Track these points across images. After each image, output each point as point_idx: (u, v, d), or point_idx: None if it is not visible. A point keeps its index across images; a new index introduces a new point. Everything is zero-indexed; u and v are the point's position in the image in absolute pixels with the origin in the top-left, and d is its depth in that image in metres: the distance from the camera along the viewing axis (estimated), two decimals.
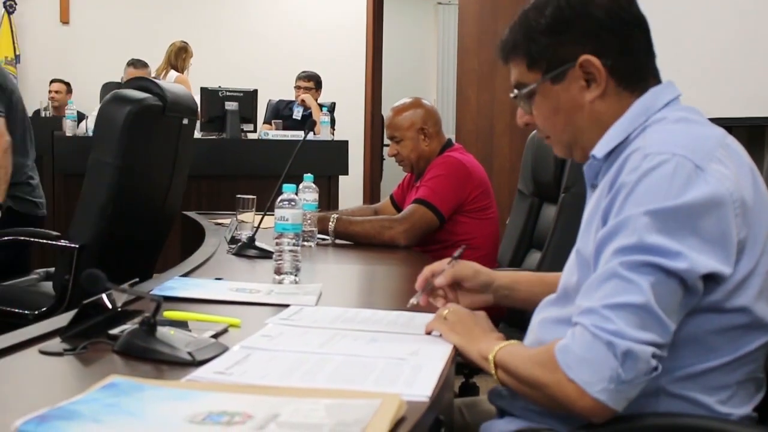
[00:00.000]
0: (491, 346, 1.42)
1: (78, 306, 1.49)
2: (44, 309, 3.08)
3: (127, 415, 1.03)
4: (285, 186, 2.24)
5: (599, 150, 1.45)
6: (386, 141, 3.74)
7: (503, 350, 1.40)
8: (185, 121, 3.40)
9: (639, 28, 1.47)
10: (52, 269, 3.35)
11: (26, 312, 3.11)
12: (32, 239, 3.33)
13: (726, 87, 4.04)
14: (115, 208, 3.07)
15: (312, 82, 6.87)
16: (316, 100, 6.86)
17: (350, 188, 7.09)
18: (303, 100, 6.74)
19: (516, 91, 1.53)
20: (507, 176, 5.60)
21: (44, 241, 3.29)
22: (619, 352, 1.21)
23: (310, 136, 5.87)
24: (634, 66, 1.46)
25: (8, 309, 3.14)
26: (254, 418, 1.03)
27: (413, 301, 1.73)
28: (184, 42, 7.07)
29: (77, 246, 3.06)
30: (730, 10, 4.17)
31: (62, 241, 3.12)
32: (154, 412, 1.06)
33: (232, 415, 1.04)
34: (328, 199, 5.60)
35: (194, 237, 3.27)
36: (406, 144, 3.19)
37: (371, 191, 8.09)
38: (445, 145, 3.21)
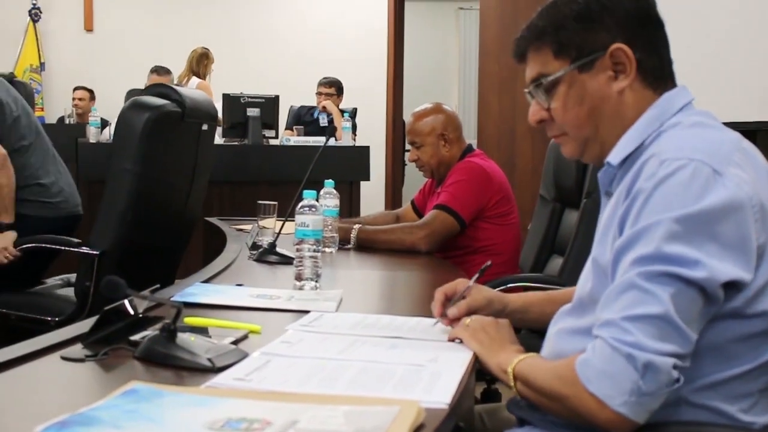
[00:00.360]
0: (510, 359, 1.41)
1: (99, 312, 1.50)
2: (65, 315, 3.10)
3: (147, 421, 1.04)
4: (305, 192, 2.24)
5: (614, 157, 1.44)
6: (407, 146, 3.74)
7: (522, 363, 1.40)
8: (205, 127, 3.41)
9: (662, 29, 1.47)
10: (73, 275, 3.37)
11: (48, 318, 3.14)
12: (53, 246, 3.34)
13: (742, 90, 4.02)
14: (134, 215, 3.09)
15: (333, 87, 6.89)
16: (338, 105, 6.87)
17: (372, 194, 7.09)
18: (324, 107, 6.76)
19: (532, 85, 1.51)
20: (529, 181, 5.58)
21: (64, 248, 3.30)
22: (640, 364, 1.20)
23: (332, 141, 5.88)
24: (658, 64, 1.45)
25: (30, 315, 3.17)
26: (273, 425, 1.03)
27: (435, 321, 1.72)
28: (205, 48, 7.12)
29: (98, 252, 3.08)
30: (748, 13, 4.14)
31: (83, 248, 3.15)
32: (174, 418, 1.06)
33: (251, 421, 1.04)
34: (350, 204, 5.60)
35: (216, 243, 3.28)
36: (426, 150, 3.18)
37: (393, 197, 8.09)
38: (466, 150, 3.21)
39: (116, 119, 3.16)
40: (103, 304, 1.50)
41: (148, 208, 3.18)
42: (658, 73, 1.45)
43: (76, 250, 3.22)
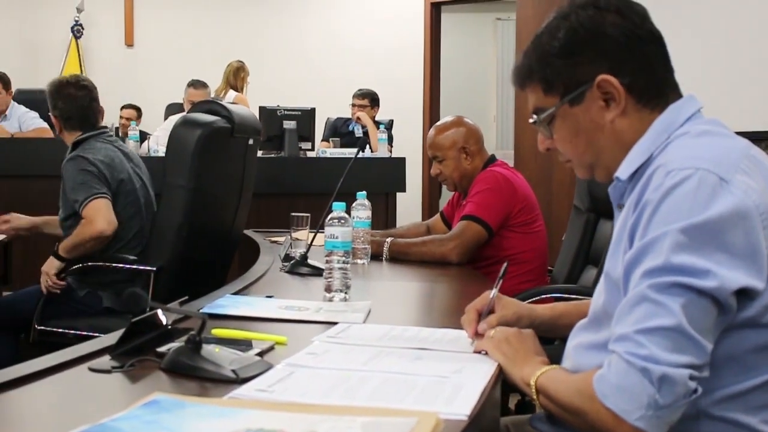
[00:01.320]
0: (534, 371, 1.41)
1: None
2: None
3: None
4: (335, 204, 2.25)
5: (623, 171, 1.44)
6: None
7: (544, 375, 1.39)
8: (251, 142, 3.47)
9: (654, 43, 1.45)
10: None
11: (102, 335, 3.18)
12: (110, 264, 3.33)
13: (755, 98, 3.97)
14: (189, 230, 3.14)
15: (367, 99, 6.90)
16: (373, 117, 6.89)
17: (409, 205, 7.10)
18: (358, 118, 6.78)
19: (535, 116, 1.52)
20: (567, 191, 5.54)
21: (123, 265, 3.31)
22: (655, 377, 1.19)
23: (368, 153, 5.95)
24: (652, 82, 1.44)
25: (89, 334, 3.20)
26: None
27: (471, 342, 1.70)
28: (241, 61, 7.19)
29: (155, 269, 3.12)
30: (762, 21, 4.10)
31: (140, 265, 3.21)
32: (193, 429, 1.07)
33: None
34: (386, 216, 5.61)
35: (251, 255, 3.30)
36: (448, 163, 3.19)
37: (430, 208, 8.08)
38: (488, 161, 3.21)
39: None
40: None
41: (202, 223, 3.23)
42: (653, 92, 1.44)
43: (134, 267, 3.25)
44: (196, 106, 3.37)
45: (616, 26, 1.43)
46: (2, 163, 5.11)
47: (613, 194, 1.49)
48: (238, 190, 3.46)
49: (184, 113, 3.26)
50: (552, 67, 1.47)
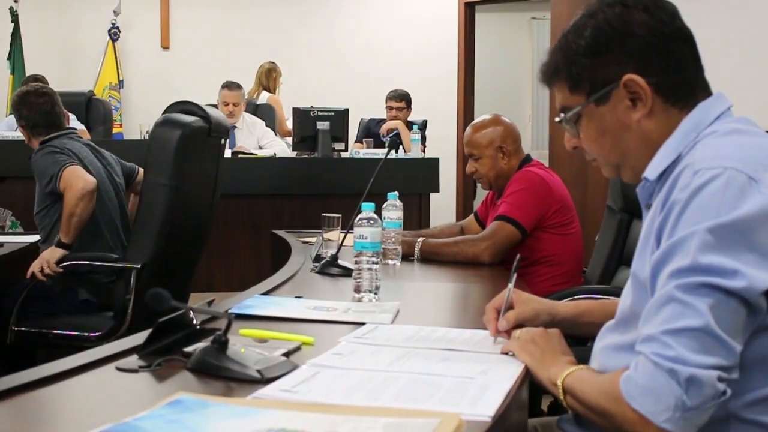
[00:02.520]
0: (561, 371, 1.40)
1: (139, 325, 1.53)
2: (106, 330, 3.18)
3: None
4: (364, 205, 2.25)
5: (651, 172, 1.42)
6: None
7: (571, 376, 1.38)
8: (222, 141, 3.59)
9: (683, 41, 1.43)
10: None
11: (86, 334, 3.21)
12: (93, 262, 3.39)
13: None
14: (171, 228, 3.22)
15: (403, 101, 6.89)
16: (406, 118, 6.88)
17: (443, 206, 7.07)
18: (389, 130, 6.76)
19: (561, 115, 1.51)
20: (602, 191, 5.47)
21: (106, 264, 3.36)
22: (682, 379, 1.18)
23: (401, 154, 5.95)
24: (680, 81, 1.42)
25: (69, 333, 3.25)
26: None
27: (495, 339, 1.70)
28: (272, 62, 7.24)
29: (139, 266, 3.16)
30: None
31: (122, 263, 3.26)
32: (216, 428, 1.07)
33: None
34: (420, 216, 5.60)
35: (283, 255, 3.31)
36: (484, 162, 3.16)
37: (464, 209, 8.05)
38: (524, 160, 3.18)
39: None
40: (143, 317, 1.53)
41: (182, 221, 3.31)
42: (682, 91, 1.42)
43: (116, 265, 3.30)
44: (173, 106, 3.43)
45: (644, 25, 1.41)
46: None
47: (641, 194, 1.47)
48: (212, 189, 3.56)
49: (167, 114, 3.31)
50: (578, 66, 1.45)
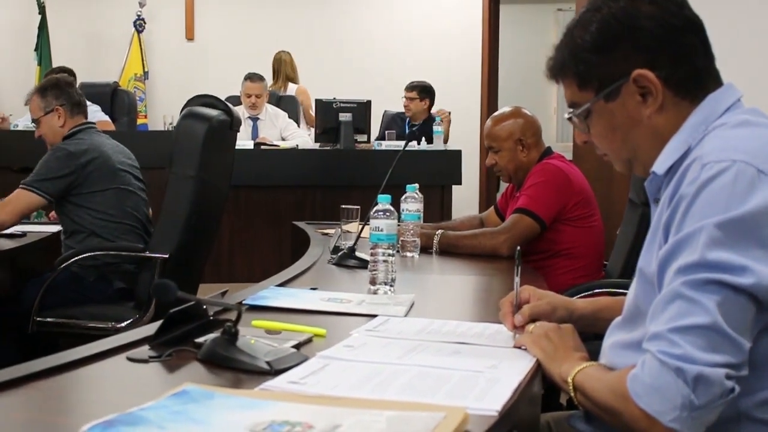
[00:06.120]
0: (572, 368, 1.38)
1: (165, 315, 1.54)
2: (130, 320, 3.20)
3: (192, 423, 1.06)
4: (380, 196, 2.24)
5: (659, 166, 1.39)
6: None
7: (581, 373, 1.37)
8: (237, 135, 3.64)
9: (692, 31, 1.40)
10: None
11: (109, 325, 3.23)
12: (118, 252, 3.41)
13: None
14: (197, 219, 3.25)
15: (414, 92, 6.90)
16: (428, 109, 6.87)
17: (465, 197, 7.06)
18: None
19: (571, 111, 1.48)
20: (627, 184, 5.44)
21: (132, 254, 3.39)
22: (690, 377, 1.16)
23: (423, 145, 5.93)
24: (690, 73, 1.39)
25: (93, 324, 3.27)
26: (314, 429, 1.03)
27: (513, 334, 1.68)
28: (288, 52, 7.30)
29: (167, 256, 3.18)
30: None
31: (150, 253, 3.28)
32: (219, 420, 1.07)
33: (293, 424, 1.05)
34: (441, 208, 5.59)
35: (304, 247, 3.32)
36: (503, 155, 3.14)
37: (487, 201, 8.03)
38: (544, 153, 3.15)
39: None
40: (167, 308, 1.54)
41: (206, 213, 3.35)
42: (692, 83, 1.39)
43: (142, 255, 3.32)
44: (195, 100, 3.46)
45: (651, 17, 1.37)
46: None
47: (650, 188, 1.45)
48: (228, 181, 3.60)
49: (191, 108, 3.34)
50: (585, 63, 1.42)
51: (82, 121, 3.63)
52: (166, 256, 3.22)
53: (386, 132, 6.43)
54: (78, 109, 3.62)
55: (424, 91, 6.89)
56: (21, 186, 3.41)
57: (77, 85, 5.33)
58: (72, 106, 3.60)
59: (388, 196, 2.25)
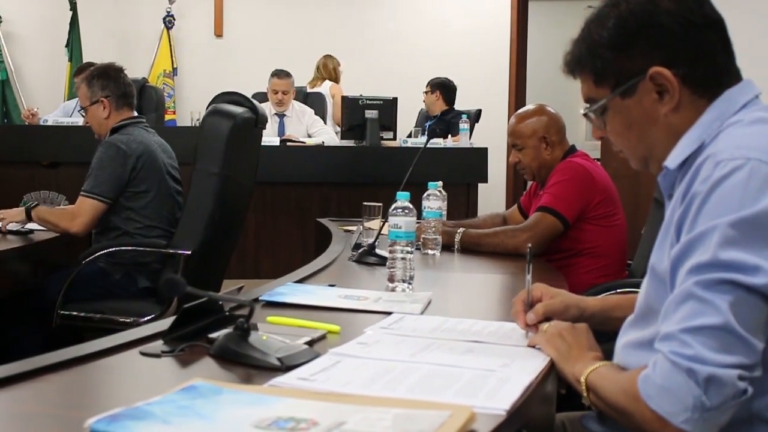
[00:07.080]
0: (585, 368, 1.37)
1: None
2: (152, 315, 3.21)
3: (197, 418, 1.06)
4: (399, 194, 2.24)
5: (672, 161, 1.37)
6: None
7: (594, 373, 1.36)
8: (262, 132, 3.66)
9: (712, 29, 1.37)
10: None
11: (130, 320, 3.24)
12: (141, 248, 3.42)
13: None
14: (221, 216, 3.26)
15: (428, 86, 6.95)
16: (441, 102, 6.90)
17: (493, 195, 7.02)
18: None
19: (587, 107, 1.47)
20: (653, 182, 5.41)
21: (155, 249, 3.40)
22: (701, 378, 1.14)
23: (449, 143, 5.91)
24: (709, 71, 1.36)
25: (115, 318, 3.28)
26: (319, 425, 1.03)
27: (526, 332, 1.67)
28: (329, 55, 7.35)
29: (189, 252, 3.21)
30: None
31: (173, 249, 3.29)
32: (225, 415, 1.08)
33: (298, 421, 1.05)
34: (467, 206, 5.57)
35: (327, 244, 3.32)
36: (527, 152, 3.12)
37: (514, 199, 7.99)
38: (568, 151, 3.13)
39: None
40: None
41: (230, 210, 3.37)
42: (710, 81, 1.36)
43: (165, 251, 3.34)
44: (221, 97, 3.47)
45: (670, 14, 1.35)
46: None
47: (663, 184, 1.43)
48: (253, 178, 3.61)
49: (216, 105, 3.34)
50: (601, 59, 1.41)
51: (131, 115, 3.61)
52: (189, 252, 3.23)
53: (414, 129, 6.43)
54: (124, 101, 3.59)
55: (434, 85, 6.92)
56: (82, 194, 3.41)
57: None
58: (118, 98, 3.57)
59: (407, 194, 2.24)
